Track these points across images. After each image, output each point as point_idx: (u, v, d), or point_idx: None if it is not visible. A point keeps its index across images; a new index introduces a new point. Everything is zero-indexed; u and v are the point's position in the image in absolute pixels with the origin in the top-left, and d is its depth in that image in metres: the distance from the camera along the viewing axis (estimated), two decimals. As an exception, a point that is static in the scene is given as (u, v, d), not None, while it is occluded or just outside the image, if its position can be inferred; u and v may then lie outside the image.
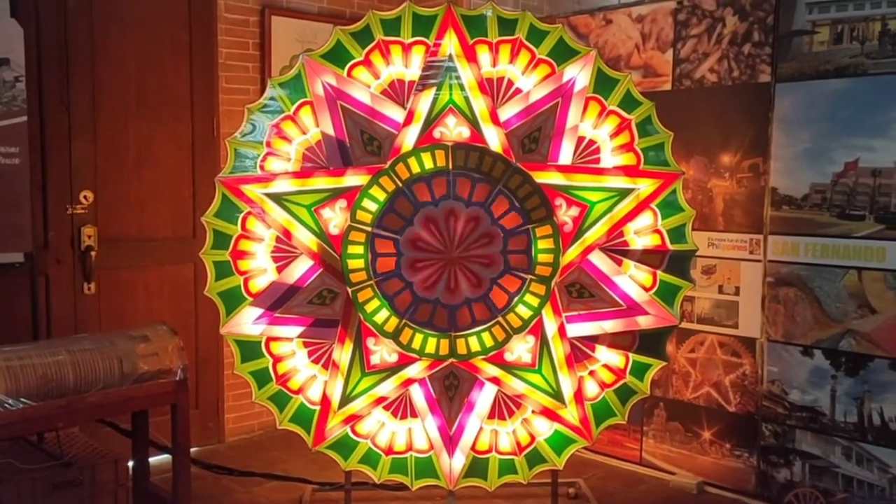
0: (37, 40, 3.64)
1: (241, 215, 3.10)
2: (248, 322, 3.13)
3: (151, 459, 3.46)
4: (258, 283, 3.14)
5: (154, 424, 3.41)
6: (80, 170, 3.85)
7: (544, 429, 3.16)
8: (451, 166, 3.00)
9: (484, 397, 3.14)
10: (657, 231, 3.14)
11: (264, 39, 4.38)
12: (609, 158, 3.11)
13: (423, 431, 3.16)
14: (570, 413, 3.13)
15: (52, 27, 3.71)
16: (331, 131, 3.06)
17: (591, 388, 3.18)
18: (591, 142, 3.11)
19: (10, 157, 3.45)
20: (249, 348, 3.16)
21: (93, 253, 3.88)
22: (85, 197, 3.88)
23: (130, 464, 3.34)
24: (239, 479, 3.86)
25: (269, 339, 3.16)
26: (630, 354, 3.17)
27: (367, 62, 3.05)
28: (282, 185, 3.06)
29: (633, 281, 3.14)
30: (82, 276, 3.89)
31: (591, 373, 3.18)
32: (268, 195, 3.06)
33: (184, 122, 4.19)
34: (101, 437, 3.47)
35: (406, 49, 3.05)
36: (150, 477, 3.42)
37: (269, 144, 3.09)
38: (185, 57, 4.16)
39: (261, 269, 3.14)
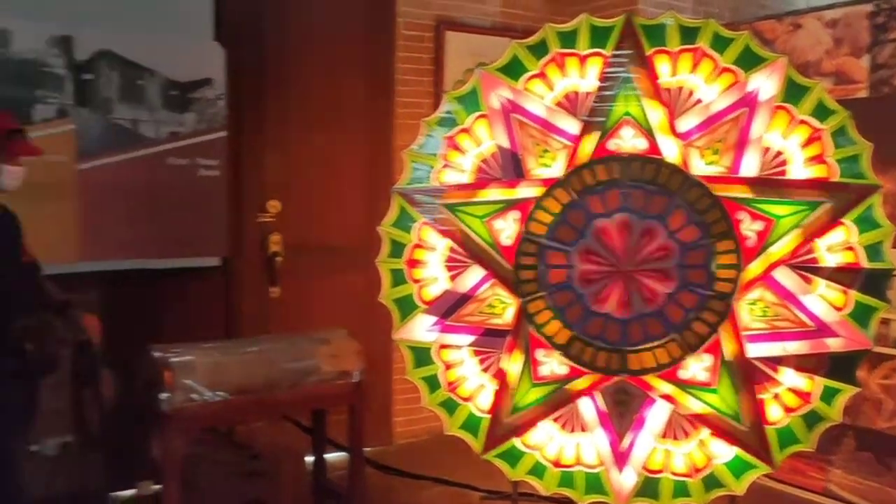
0: (236, 61, 3.93)
1: (416, 225, 3.19)
2: (420, 329, 3.21)
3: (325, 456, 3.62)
4: (431, 291, 3.21)
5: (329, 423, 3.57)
6: (269, 181, 4.12)
7: (722, 452, 3.03)
8: (625, 178, 2.96)
9: (656, 415, 3.05)
10: (851, 248, 2.93)
11: (438, 54, 4.50)
12: (799, 170, 2.95)
13: (592, 446, 3.11)
14: (751, 437, 2.98)
15: (250, 48, 3.99)
16: (506, 143, 3.09)
17: (775, 412, 3.00)
18: (779, 153, 2.96)
19: (211, 168, 3.76)
20: (421, 354, 3.23)
21: (278, 259, 4.12)
22: (273, 206, 4.14)
23: (310, 459, 3.53)
24: (407, 481, 3.97)
25: (441, 347, 3.22)
26: (818, 378, 2.97)
27: (542, 75, 3.06)
28: (456, 196, 3.13)
29: (822, 300, 2.94)
30: (269, 281, 4.14)
31: (775, 396, 3.01)
32: (443, 206, 3.13)
33: (362, 135, 4.38)
34: (283, 432, 3.68)
35: (582, 60, 3.04)
36: (327, 473, 3.58)
37: (444, 157, 3.16)
38: (365, 73, 4.35)
39: (433, 278, 3.21)
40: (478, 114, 3.12)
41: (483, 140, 3.13)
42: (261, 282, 4.13)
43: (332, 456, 3.69)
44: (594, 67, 3.03)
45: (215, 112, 3.77)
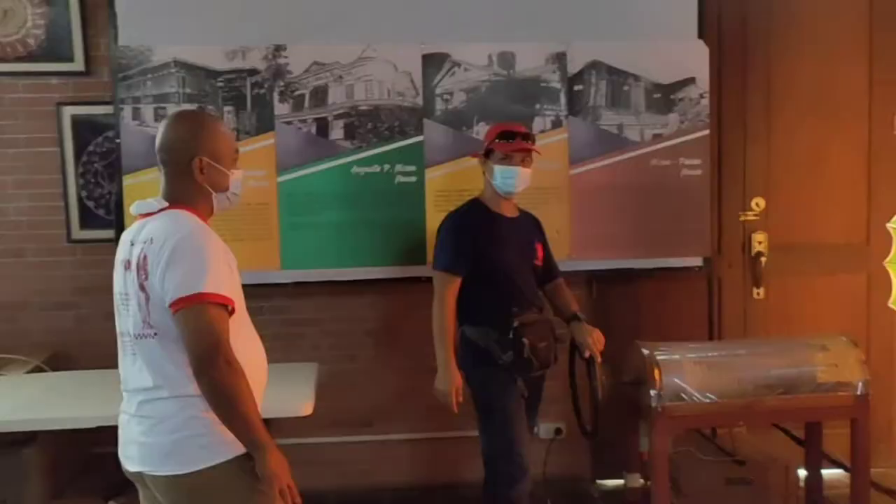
0: (718, 58, 3.84)
1: (937, 221, 2.79)
2: (942, 341, 2.80)
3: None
4: (952, 298, 2.78)
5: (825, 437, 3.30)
6: (752, 178, 3.97)
7: None
8: None
9: None
10: None
11: (964, 21, 3.86)
12: None
13: None
14: None
15: (732, 44, 3.89)
16: None
17: None
18: None
19: (694, 168, 3.75)
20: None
21: (763, 259, 3.95)
22: (756, 204, 3.97)
23: (801, 472, 3.30)
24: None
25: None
26: None
27: None
28: None
29: None
30: (752, 281, 3.98)
31: None
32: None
33: (859, 122, 3.98)
34: (769, 441, 3.50)
35: None
36: (822, 490, 3.32)
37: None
38: (863, 54, 3.94)
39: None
40: None
41: None
42: (743, 283, 3.99)
43: (827, 472, 3.40)
44: None
45: (698, 111, 3.74)
